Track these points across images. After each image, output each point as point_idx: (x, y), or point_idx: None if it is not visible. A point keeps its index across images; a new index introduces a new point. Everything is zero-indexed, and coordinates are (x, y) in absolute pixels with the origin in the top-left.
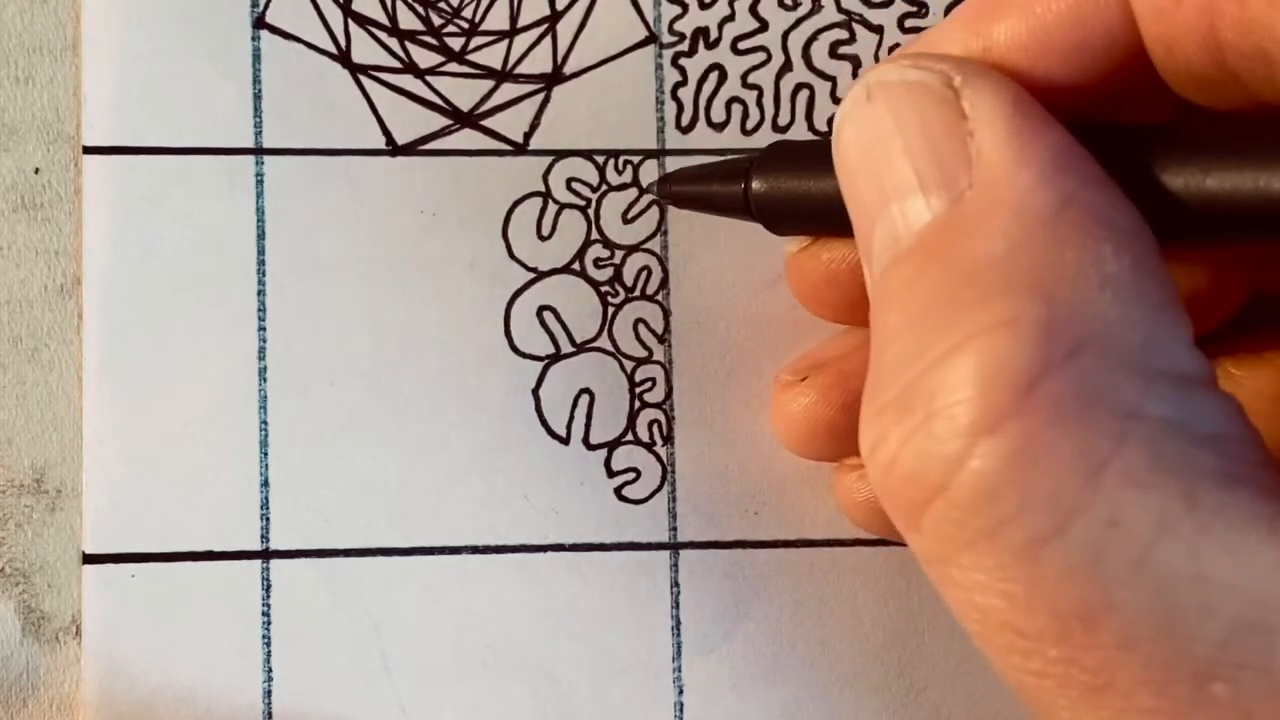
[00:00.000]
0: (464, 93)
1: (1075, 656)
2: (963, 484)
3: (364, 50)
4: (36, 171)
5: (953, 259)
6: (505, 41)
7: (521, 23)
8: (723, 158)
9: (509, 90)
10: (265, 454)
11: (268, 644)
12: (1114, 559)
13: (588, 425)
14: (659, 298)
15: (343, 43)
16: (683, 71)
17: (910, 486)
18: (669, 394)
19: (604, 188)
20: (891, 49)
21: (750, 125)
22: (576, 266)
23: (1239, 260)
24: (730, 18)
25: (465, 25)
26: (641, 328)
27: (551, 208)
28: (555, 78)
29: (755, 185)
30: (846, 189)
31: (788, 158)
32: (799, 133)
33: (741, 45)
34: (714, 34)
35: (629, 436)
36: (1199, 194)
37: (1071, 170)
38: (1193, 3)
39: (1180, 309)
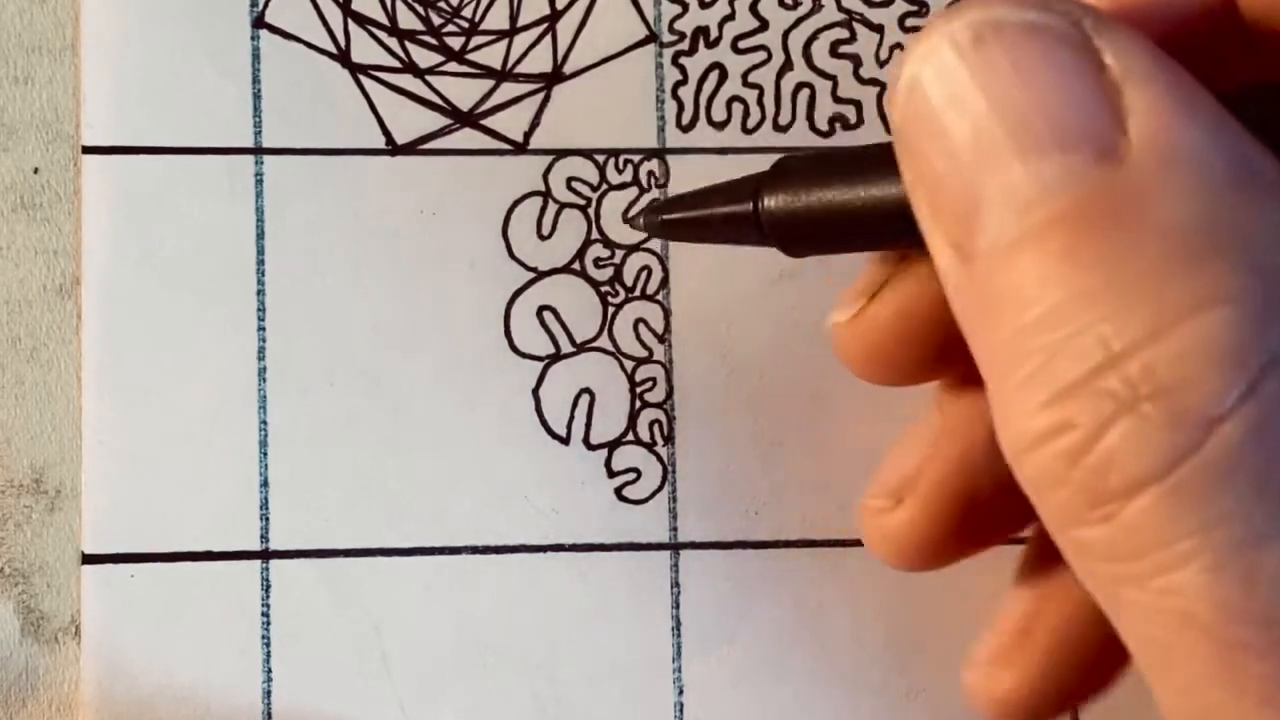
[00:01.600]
0: (464, 92)
1: None
2: (1192, 471)
3: (364, 50)
4: (36, 171)
5: (1131, 224)
6: (505, 41)
7: (521, 22)
8: (715, 183)
9: (509, 90)
10: (265, 454)
11: (267, 644)
12: None
13: (588, 425)
14: (659, 298)
15: (342, 42)
16: (683, 70)
17: (1108, 477)
18: (669, 394)
19: (604, 187)
20: (893, 48)
21: (751, 124)
22: (576, 266)
23: None
24: (730, 17)
25: (465, 25)
26: (642, 327)
27: (551, 207)
28: (555, 77)
29: (769, 203)
30: (932, 149)
31: (801, 169)
32: (800, 132)
33: (742, 44)
34: (714, 33)
35: (629, 436)
36: None
37: (1236, 132)
38: None
39: None
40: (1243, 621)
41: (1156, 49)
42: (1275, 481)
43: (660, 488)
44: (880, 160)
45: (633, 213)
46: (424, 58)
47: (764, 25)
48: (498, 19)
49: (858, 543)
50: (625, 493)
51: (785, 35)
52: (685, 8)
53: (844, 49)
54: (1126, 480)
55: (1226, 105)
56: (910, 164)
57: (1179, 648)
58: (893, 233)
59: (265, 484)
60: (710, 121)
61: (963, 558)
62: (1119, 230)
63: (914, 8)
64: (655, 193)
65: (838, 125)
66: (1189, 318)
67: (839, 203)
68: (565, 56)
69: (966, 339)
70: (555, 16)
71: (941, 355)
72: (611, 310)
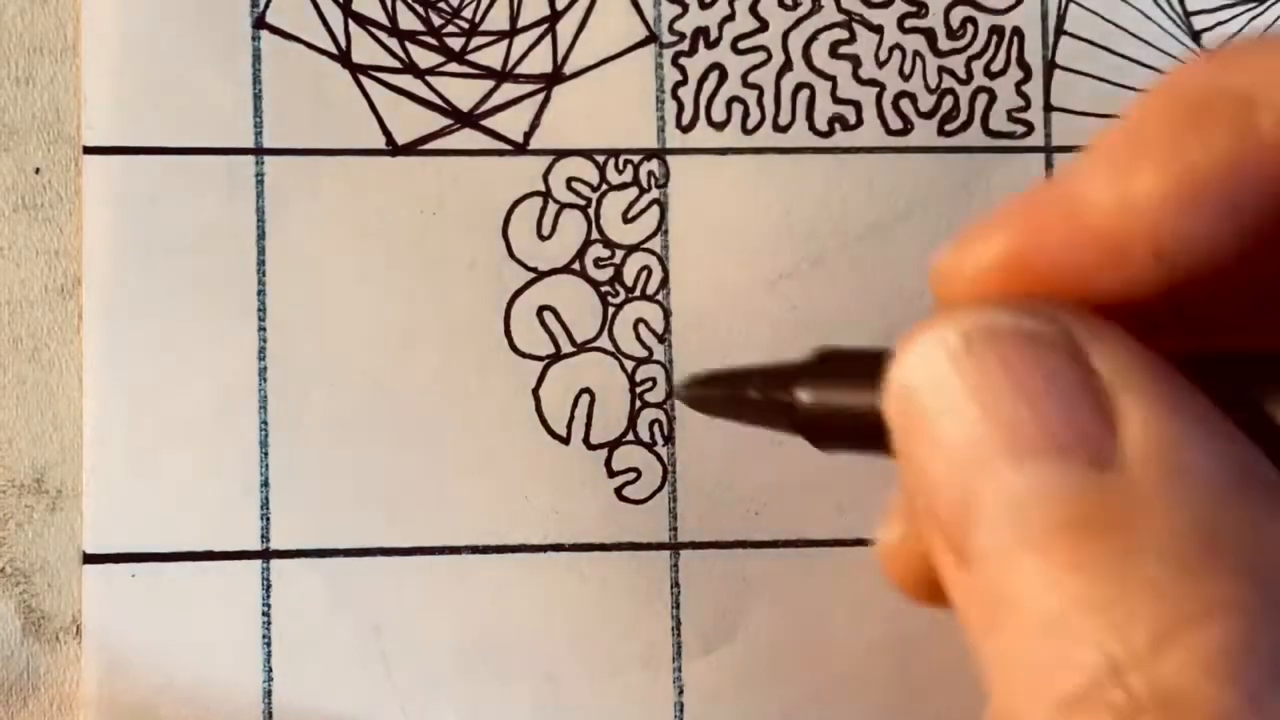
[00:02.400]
0: (464, 93)
1: None
2: None
3: (364, 50)
4: (37, 172)
5: (1132, 534)
6: (505, 41)
7: (521, 23)
8: (758, 365)
9: (509, 90)
10: (265, 454)
11: (268, 644)
12: None
13: (588, 425)
14: (659, 298)
15: (343, 43)
16: (683, 71)
17: None
18: (670, 394)
19: (604, 187)
20: (892, 49)
21: (751, 124)
22: (576, 266)
23: None
24: (730, 17)
25: (465, 25)
26: (642, 327)
27: (551, 207)
28: (555, 77)
29: (803, 398)
30: (924, 457)
31: (841, 366)
32: (799, 132)
33: (742, 45)
34: (714, 33)
35: (629, 436)
36: None
37: (1232, 438)
38: None
39: None
40: None
41: (1146, 352)
42: None
43: (660, 488)
44: None
45: (675, 386)
46: (424, 58)
47: (764, 26)
48: (498, 19)
49: (858, 543)
50: (625, 493)
51: (785, 36)
52: (685, 8)
53: (844, 49)
54: None
55: (1219, 401)
56: (907, 466)
57: None
58: None
59: (265, 484)
60: (710, 122)
61: None
62: (1120, 540)
63: (913, 8)
64: (655, 193)
65: (837, 126)
66: (1190, 629)
67: (871, 409)
68: (565, 57)
69: (970, 640)
70: (555, 17)
71: None
72: (611, 310)
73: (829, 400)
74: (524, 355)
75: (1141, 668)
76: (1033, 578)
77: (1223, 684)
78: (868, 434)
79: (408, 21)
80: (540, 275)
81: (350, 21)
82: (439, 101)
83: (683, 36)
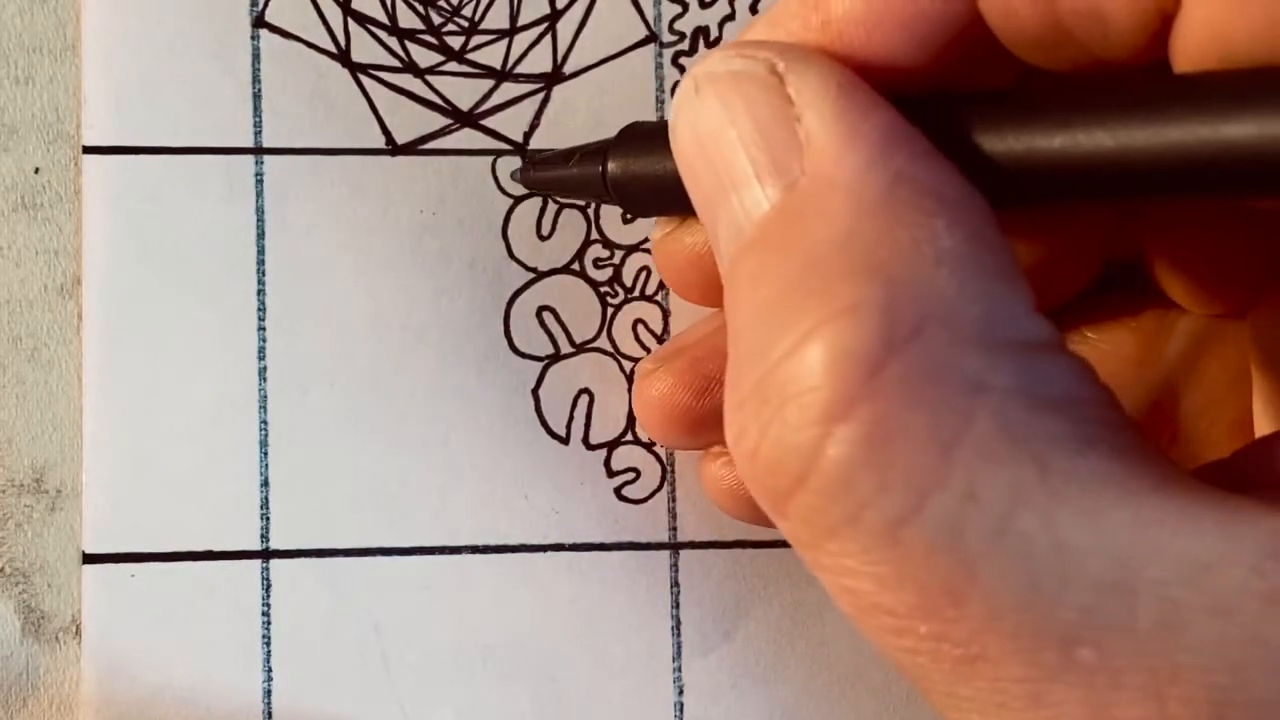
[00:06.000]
0: (464, 92)
1: (945, 631)
2: (820, 472)
3: (364, 49)
4: (36, 171)
5: (792, 247)
6: (505, 40)
7: (521, 22)
8: (578, 145)
9: (509, 89)
10: (265, 454)
11: (268, 644)
12: (973, 533)
13: (587, 425)
14: (658, 298)
15: (342, 42)
16: (683, 70)
17: (773, 476)
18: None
19: None
20: None
21: None
22: (576, 266)
23: (1090, 229)
24: (730, 17)
25: (465, 24)
26: (641, 328)
27: (551, 207)
28: (555, 77)
29: (611, 167)
30: (688, 182)
31: (642, 139)
32: None
33: None
34: (714, 33)
35: (629, 436)
36: (1032, 156)
37: (899, 148)
38: None
39: (1020, 277)
40: (898, 594)
41: (846, 78)
42: (896, 472)
43: (660, 487)
44: None
45: (512, 171)
46: (424, 57)
47: None
48: (498, 18)
49: None
50: (625, 492)
51: None
52: (685, 8)
53: None
54: (786, 480)
55: (939, 112)
56: (686, 184)
57: (862, 620)
58: None
59: (265, 484)
60: None
61: (711, 444)
62: (783, 253)
63: None
64: None
65: None
66: (816, 330)
67: (663, 173)
68: (565, 56)
69: None
70: (555, 16)
71: None
72: (611, 310)
73: (633, 168)
74: (523, 355)
75: (785, 367)
76: (733, 290)
77: (836, 377)
78: (669, 195)
79: (407, 20)
80: (540, 275)
81: (350, 20)
82: (439, 101)
83: (683, 36)
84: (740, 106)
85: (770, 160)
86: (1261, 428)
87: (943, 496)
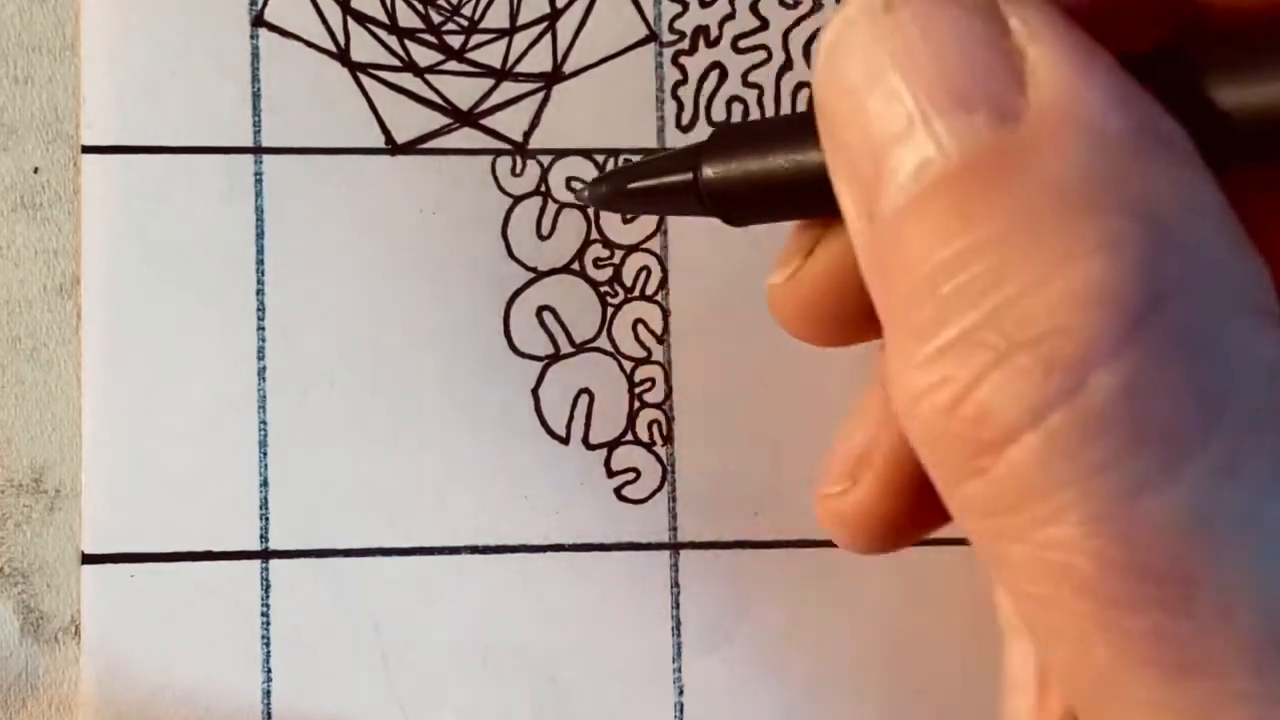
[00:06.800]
0: (464, 91)
1: (1167, 628)
2: (1064, 421)
3: (363, 48)
4: (36, 171)
5: (1023, 181)
6: (505, 40)
7: (521, 21)
8: (657, 154)
9: (509, 89)
10: (265, 454)
11: (267, 644)
12: (1226, 513)
13: (587, 425)
14: (658, 298)
15: (342, 41)
16: (683, 70)
17: (982, 427)
18: (669, 394)
19: None
20: None
21: None
22: (576, 266)
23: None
24: (731, 16)
25: (465, 23)
26: (641, 328)
27: (551, 207)
28: (555, 76)
29: (707, 172)
30: (845, 118)
31: (739, 138)
32: None
33: (742, 44)
34: (714, 32)
35: (629, 436)
36: (1246, 112)
37: (1136, 93)
38: None
39: (1254, 247)
40: (1122, 576)
41: (1063, 14)
42: (1154, 430)
43: (660, 488)
44: (811, 127)
45: (578, 185)
46: (424, 56)
47: (764, 24)
48: (497, 18)
49: None
50: (625, 493)
51: (785, 34)
52: (685, 7)
53: None
54: (999, 431)
55: (1134, 70)
56: (827, 131)
57: (1060, 605)
58: (826, 199)
59: (265, 484)
60: (710, 121)
61: (926, 534)
62: (1009, 186)
63: None
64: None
65: None
66: (1067, 266)
67: (775, 171)
68: (565, 56)
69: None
70: (555, 15)
71: (874, 314)
72: (611, 310)
73: (732, 171)
74: (523, 355)
75: (1018, 307)
76: (924, 227)
77: (1095, 317)
78: (773, 199)
79: (407, 19)
80: (540, 275)
81: (349, 19)
82: (438, 100)
83: (683, 35)
84: (947, 28)
85: (985, 89)
86: None
87: (1201, 466)
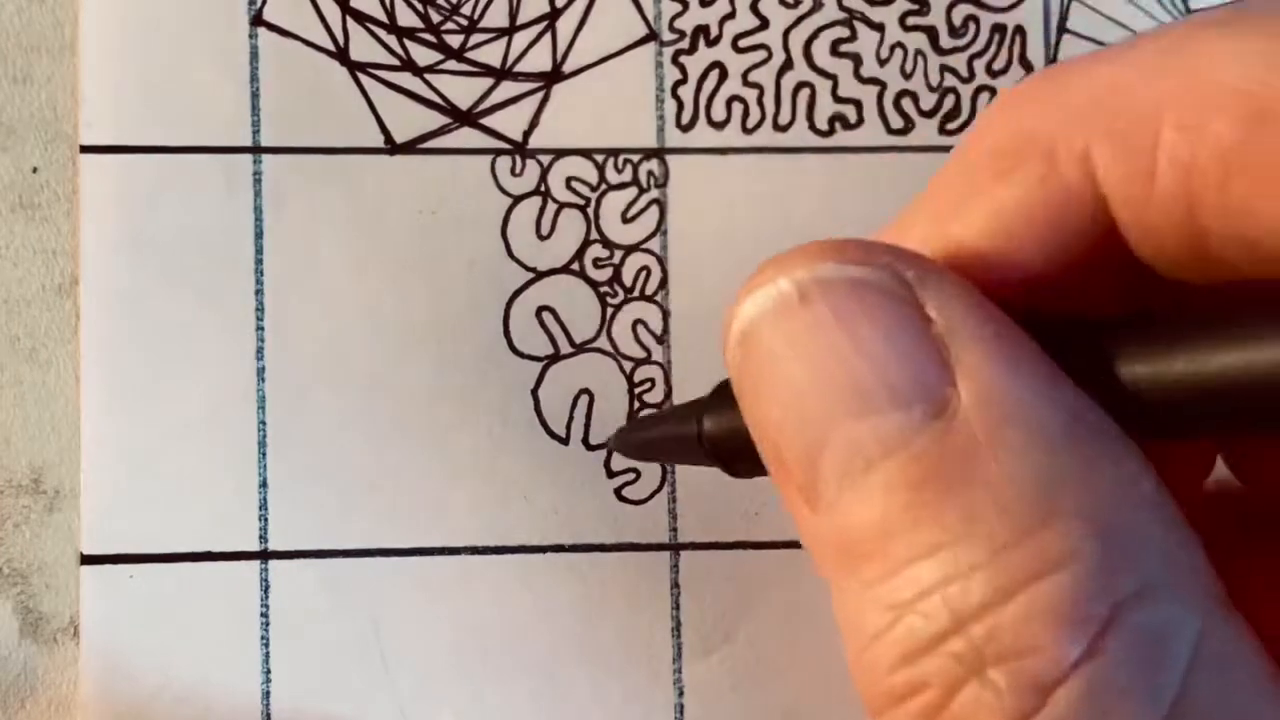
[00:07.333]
0: (463, 91)
1: None
2: None
3: (362, 48)
4: (34, 171)
5: (970, 483)
6: (504, 39)
7: (521, 20)
8: (670, 407)
9: (508, 88)
10: (264, 454)
11: (266, 645)
12: None
13: (587, 425)
14: (658, 298)
15: (341, 40)
16: (683, 69)
17: None
18: (668, 394)
19: (603, 187)
20: (894, 47)
21: (751, 124)
22: (575, 266)
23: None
24: (731, 15)
25: (464, 22)
26: (640, 328)
27: (551, 207)
28: (555, 76)
29: (708, 426)
30: (779, 406)
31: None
32: (799, 131)
33: (742, 43)
34: (714, 31)
35: None
36: (1178, 387)
37: (1063, 383)
38: (1170, 190)
39: (1185, 523)
40: None
41: (981, 299)
42: None
43: (660, 488)
44: None
45: (610, 440)
46: (423, 56)
47: (764, 24)
48: (497, 17)
49: None
50: (625, 493)
51: (786, 34)
52: (685, 6)
53: (844, 48)
54: None
55: (1050, 347)
56: (749, 411)
57: None
58: None
59: (264, 484)
60: (710, 121)
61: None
62: (959, 490)
63: (915, 6)
64: (654, 192)
65: (838, 125)
66: (1029, 582)
67: None
68: (565, 55)
69: (825, 579)
70: (555, 14)
71: None
72: (610, 311)
73: (732, 423)
74: (523, 355)
75: (984, 620)
76: (879, 530)
77: (1058, 635)
78: None
79: (406, 19)
80: (539, 275)
81: (348, 19)
82: (438, 100)
83: (683, 34)
84: (866, 320)
85: (914, 383)
86: None
87: None
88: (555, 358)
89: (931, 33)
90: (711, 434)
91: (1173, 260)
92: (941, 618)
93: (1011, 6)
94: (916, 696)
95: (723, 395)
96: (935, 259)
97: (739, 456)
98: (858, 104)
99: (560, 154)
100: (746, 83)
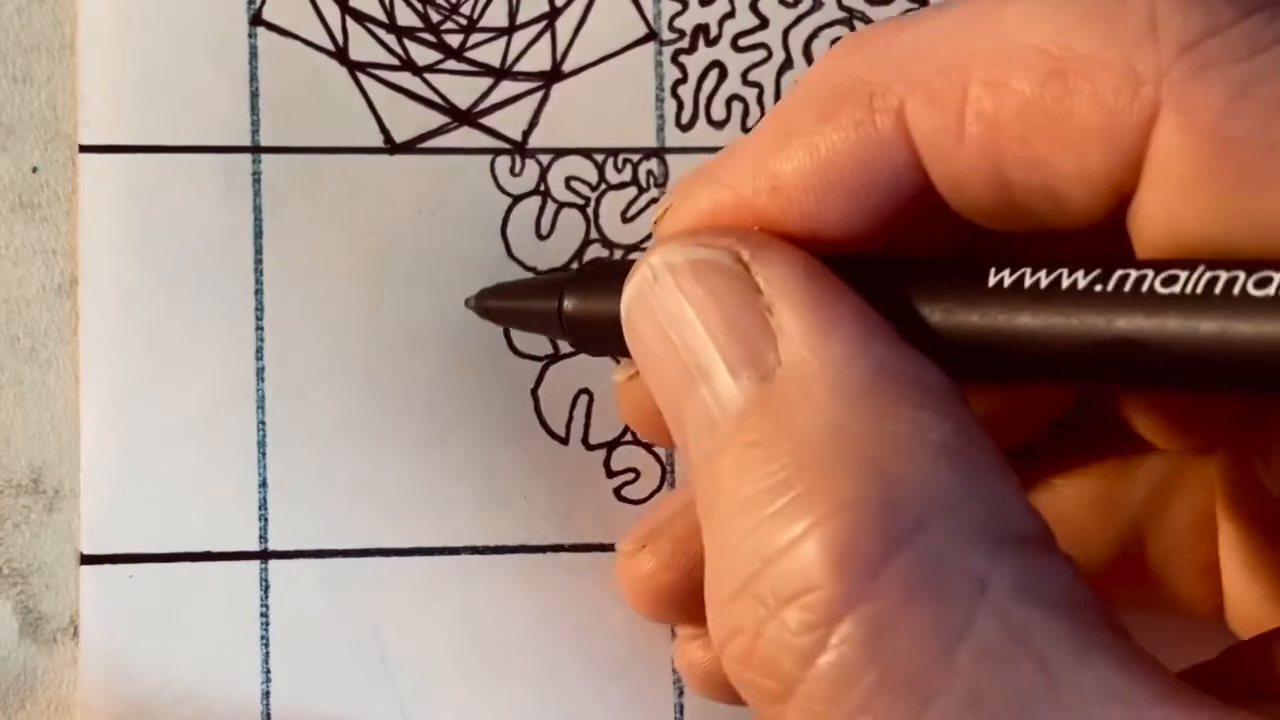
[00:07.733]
0: (462, 90)
1: None
2: (819, 675)
3: (362, 47)
4: (34, 171)
5: (776, 440)
6: (504, 38)
7: (520, 19)
8: (535, 277)
9: (508, 88)
10: (263, 454)
11: (266, 645)
12: None
13: (587, 425)
14: None
15: (340, 40)
16: (683, 69)
17: (769, 678)
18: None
19: (603, 186)
20: None
21: (751, 123)
22: (575, 266)
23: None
24: (730, 14)
25: (463, 22)
26: None
27: (550, 207)
28: (554, 75)
29: (567, 305)
30: (647, 372)
31: (603, 276)
32: None
33: (742, 42)
34: (714, 31)
35: (628, 436)
36: (989, 335)
37: (876, 336)
38: (976, 142)
39: (1007, 466)
40: None
41: (813, 264)
42: (898, 674)
43: (659, 487)
44: None
45: (468, 298)
46: (422, 55)
47: (764, 23)
48: (496, 16)
49: None
50: (625, 492)
51: (785, 33)
52: (685, 5)
53: None
54: (781, 683)
55: (884, 284)
56: (644, 374)
57: None
58: None
59: (264, 484)
60: (710, 120)
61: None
62: (767, 447)
63: (915, 6)
64: (654, 192)
65: None
66: (814, 529)
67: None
68: (564, 54)
69: None
70: (554, 14)
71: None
72: None
73: (590, 307)
74: (523, 355)
75: (779, 564)
76: (716, 483)
77: (837, 575)
78: (621, 338)
79: (405, 18)
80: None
81: (348, 18)
82: (437, 99)
83: (682, 34)
84: (705, 295)
85: (742, 351)
86: (1228, 571)
87: (945, 701)
88: (555, 358)
89: None
90: (570, 313)
91: (984, 211)
92: (751, 563)
93: None
94: (735, 639)
95: (585, 274)
96: (772, 228)
97: (592, 335)
98: None
99: (560, 153)
100: (746, 82)
